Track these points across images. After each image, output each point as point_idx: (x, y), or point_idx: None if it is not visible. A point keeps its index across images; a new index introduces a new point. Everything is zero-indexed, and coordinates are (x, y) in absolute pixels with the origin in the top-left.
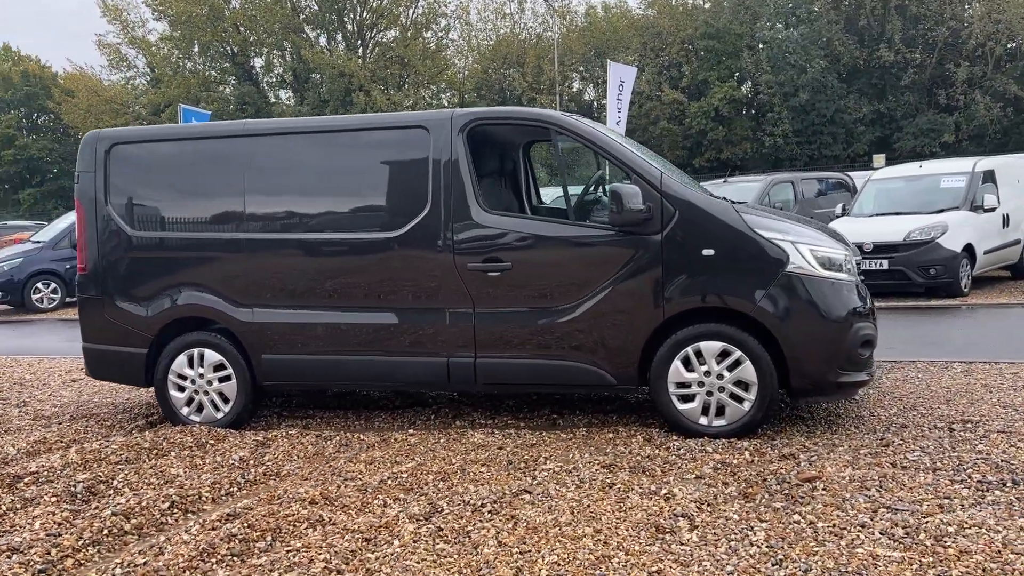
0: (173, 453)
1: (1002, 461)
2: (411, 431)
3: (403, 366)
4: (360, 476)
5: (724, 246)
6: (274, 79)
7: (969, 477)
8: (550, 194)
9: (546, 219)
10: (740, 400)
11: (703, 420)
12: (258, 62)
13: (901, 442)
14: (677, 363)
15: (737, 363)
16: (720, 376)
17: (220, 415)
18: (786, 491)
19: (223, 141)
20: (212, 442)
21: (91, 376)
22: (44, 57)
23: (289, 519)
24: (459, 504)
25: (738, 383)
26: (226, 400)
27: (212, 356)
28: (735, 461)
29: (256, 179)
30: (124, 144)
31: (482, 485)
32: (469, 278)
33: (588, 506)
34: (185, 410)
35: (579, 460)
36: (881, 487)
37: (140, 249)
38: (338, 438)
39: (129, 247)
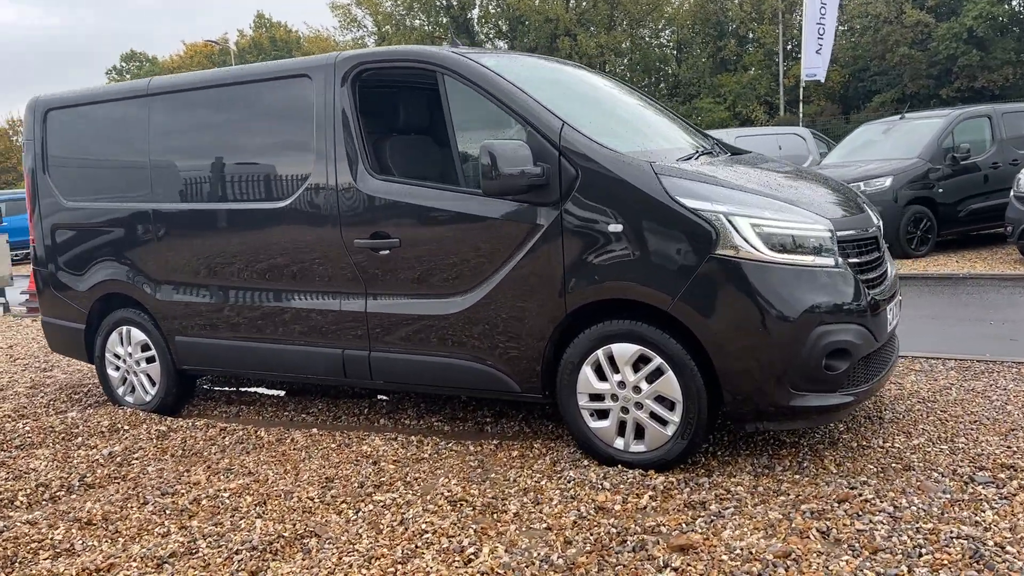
0: (79, 439)
1: None
2: (316, 429)
3: (307, 357)
4: (181, 490)
5: (635, 219)
6: (490, 30)
7: None
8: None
9: (436, 187)
10: (663, 422)
11: (618, 443)
12: (475, 12)
13: (873, 497)
14: (587, 370)
15: (658, 373)
16: (637, 389)
17: (148, 398)
18: (630, 565)
19: (131, 103)
20: (126, 427)
21: (51, 350)
22: (290, 22)
23: (36, 544)
24: (216, 547)
25: (659, 399)
26: (153, 383)
27: (137, 335)
28: (617, 507)
29: (155, 144)
30: (56, 110)
31: (276, 521)
32: (358, 257)
33: (356, 566)
34: (120, 390)
35: (435, 489)
36: None
37: (72, 220)
38: (240, 433)
39: (63, 219)
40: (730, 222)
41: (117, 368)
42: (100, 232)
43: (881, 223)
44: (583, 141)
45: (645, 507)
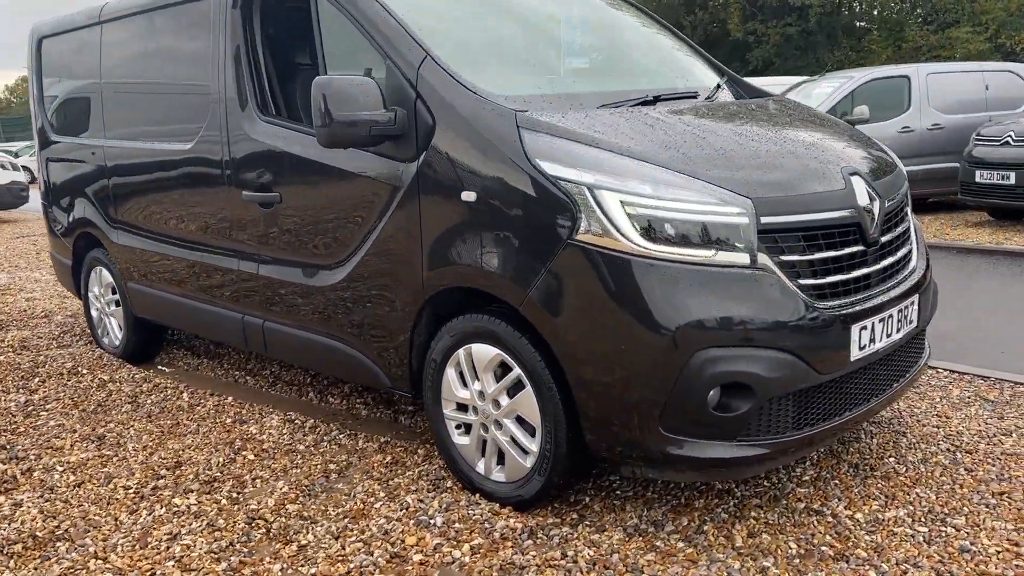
0: (39, 381)
1: None
2: (233, 397)
3: (216, 319)
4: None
5: (489, 186)
6: None
7: None
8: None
9: (307, 131)
10: (524, 450)
11: (480, 466)
12: None
13: None
14: (451, 373)
15: (519, 386)
16: (496, 403)
17: (117, 343)
18: None
19: (91, 30)
20: (84, 371)
21: (59, 282)
22: None
23: None
24: None
25: (521, 420)
26: (120, 328)
27: (106, 277)
28: (417, 556)
29: (104, 75)
30: (48, 38)
31: (49, 515)
32: (248, 212)
33: None
34: (99, 331)
35: (255, 497)
36: None
37: (57, 155)
38: (169, 391)
39: (52, 153)
40: (594, 197)
41: (96, 309)
42: (76, 169)
43: (902, 196)
44: (443, 79)
45: (453, 562)
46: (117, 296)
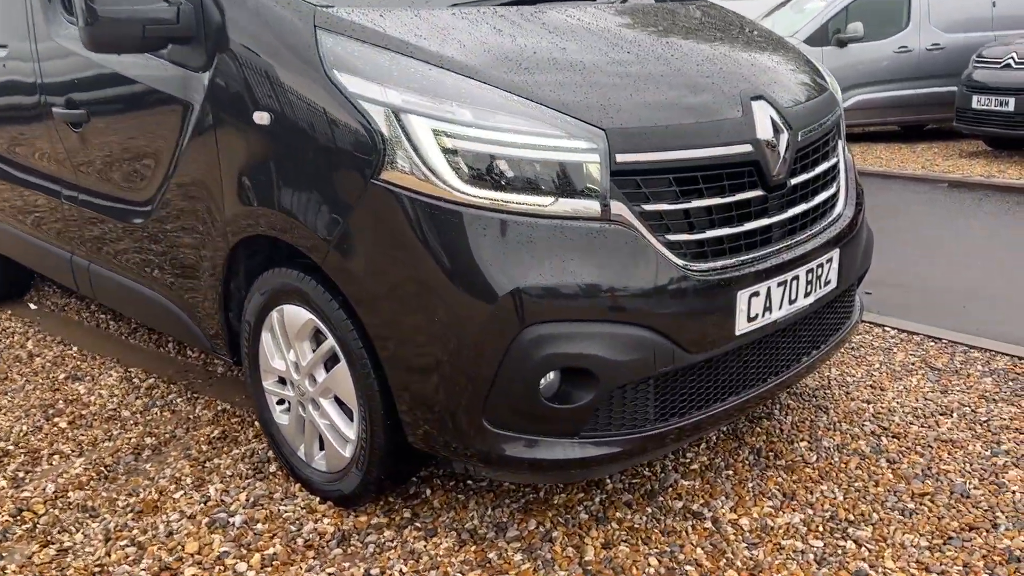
0: None
1: None
2: (79, 348)
3: (44, 257)
4: None
5: (282, 107)
6: None
7: None
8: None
9: None
10: (343, 438)
11: (301, 450)
12: None
13: None
14: (267, 338)
15: (336, 360)
16: (312, 379)
17: None
18: None
19: None
20: None
21: None
22: None
23: None
24: None
25: (340, 402)
26: None
27: None
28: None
29: None
30: None
31: None
32: (60, 131)
33: None
34: None
35: (37, 480)
36: None
37: None
38: (12, 339)
39: None
40: (401, 124)
41: None
42: None
43: (827, 128)
44: None
45: None
46: None
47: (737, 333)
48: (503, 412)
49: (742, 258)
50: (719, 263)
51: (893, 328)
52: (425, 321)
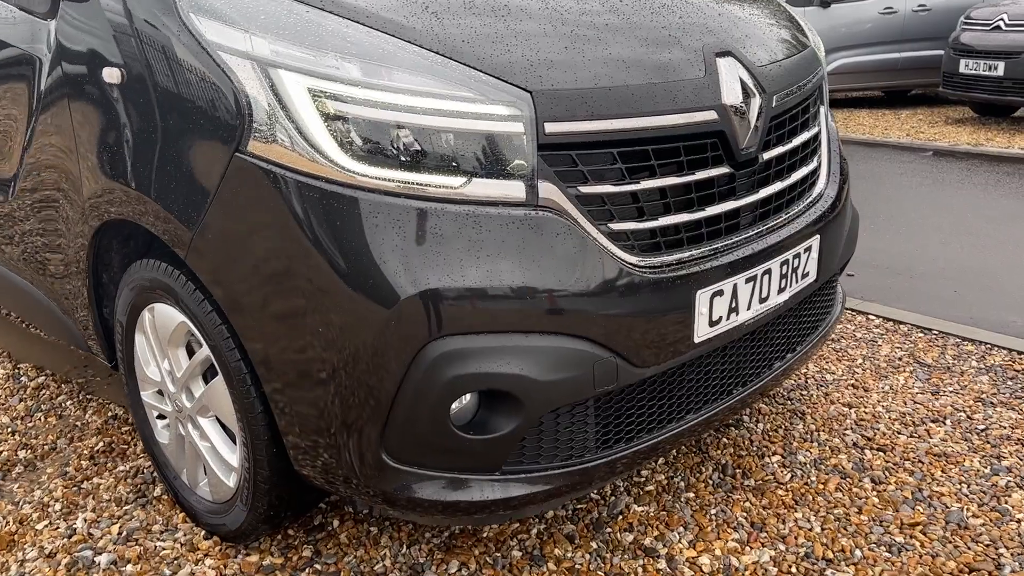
0: None
1: None
2: None
3: None
4: None
5: (134, 61)
6: None
7: None
8: None
9: None
10: (226, 465)
11: (184, 474)
12: None
13: None
14: (140, 341)
15: (215, 372)
16: (189, 393)
17: None
18: None
19: None
20: None
21: None
22: None
23: None
24: None
25: (221, 423)
26: None
27: None
28: None
29: None
30: None
31: None
32: None
33: None
34: None
35: None
36: None
37: None
38: None
39: None
40: (270, 81)
41: None
42: None
43: (807, 91)
44: None
45: None
46: None
47: (696, 340)
48: (406, 445)
49: (703, 250)
50: (674, 256)
51: (877, 316)
52: (307, 331)
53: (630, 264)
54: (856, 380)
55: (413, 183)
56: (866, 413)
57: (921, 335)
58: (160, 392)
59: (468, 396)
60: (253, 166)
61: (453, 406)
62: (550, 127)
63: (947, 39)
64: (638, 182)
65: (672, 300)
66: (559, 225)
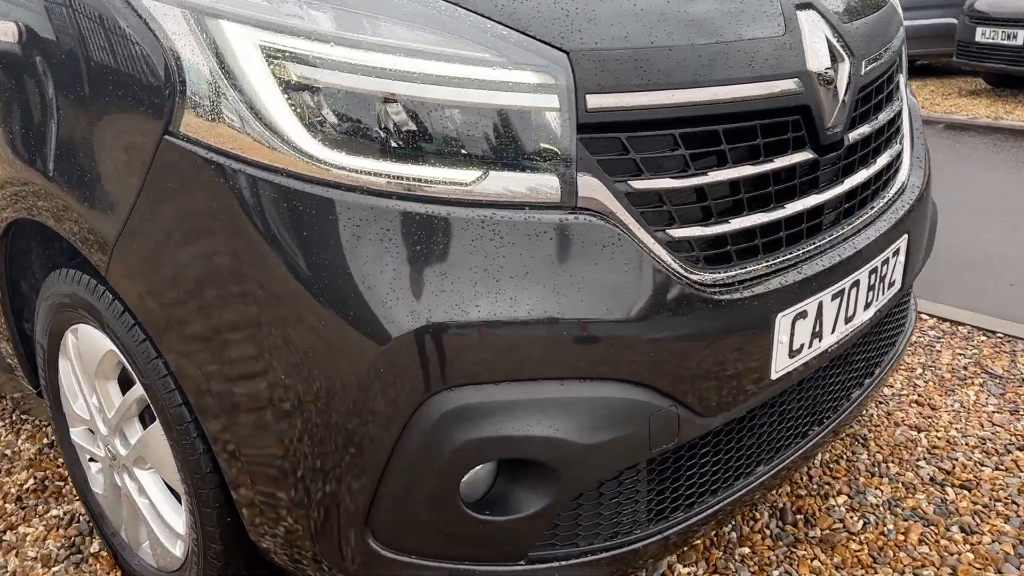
0: None
1: None
2: None
3: None
4: None
5: (33, 10)
6: None
7: None
8: None
9: None
10: (171, 530)
11: (124, 532)
12: None
13: None
14: (64, 367)
15: (151, 415)
16: (123, 436)
17: None
18: None
19: None
20: None
21: None
22: None
23: None
24: None
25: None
26: None
27: None
28: None
29: None
30: None
31: None
32: None
33: None
34: None
35: None
36: None
37: None
38: None
39: None
40: (209, 35)
41: None
42: None
43: (891, 56)
44: None
45: None
46: None
47: (774, 377)
48: (400, 527)
49: (782, 259)
50: (747, 269)
51: (931, 316)
52: (266, 375)
53: (695, 283)
54: (919, 396)
55: (407, 178)
56: (938, 438)
57: (984, 339)
58: (92, 431)
59: (485, 467)
60: (189, 154)
61: (464, 478)
62: (593, 100)
63: (962, 6)
64: (705, 173)
65: (746, 327)
66: (605, 233)
